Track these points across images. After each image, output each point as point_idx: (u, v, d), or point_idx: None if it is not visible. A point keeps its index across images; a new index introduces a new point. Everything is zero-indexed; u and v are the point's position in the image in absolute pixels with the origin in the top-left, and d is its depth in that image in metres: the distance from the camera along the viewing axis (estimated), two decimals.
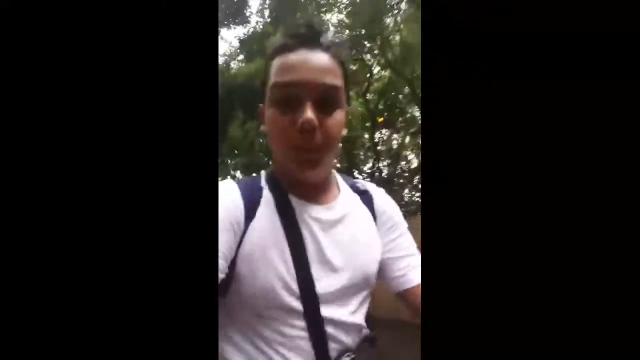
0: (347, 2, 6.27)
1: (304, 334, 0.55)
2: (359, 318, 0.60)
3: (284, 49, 0.55)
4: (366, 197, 0.67)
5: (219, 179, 0.59)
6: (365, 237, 0.62)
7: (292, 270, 0.54)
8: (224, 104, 5.44)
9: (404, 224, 0.68)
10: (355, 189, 0.67)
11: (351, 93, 1.10)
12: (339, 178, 0.66)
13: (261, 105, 0.60)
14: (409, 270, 0.64)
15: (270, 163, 0.95)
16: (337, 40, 0.57)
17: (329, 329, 0.56)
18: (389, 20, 5.83)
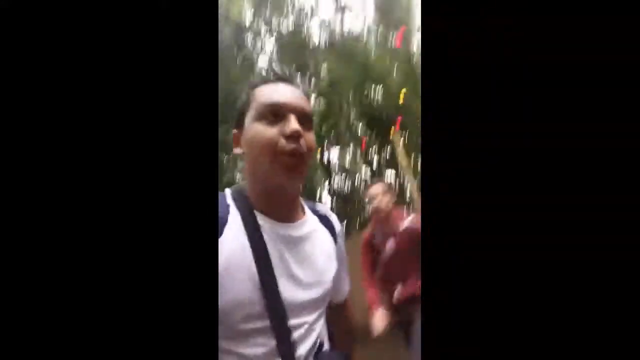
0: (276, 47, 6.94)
1: (273, 343, 0.58)
2: (319, 327, 0.66)
3: (264, 82, 0.65)
4: (327, 221, 0.74)
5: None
6: (327, 255, 0.69)
7: (259, 286, 0.57)
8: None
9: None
10: (315, 212, 0.73)
11: None
12: (301, 200, 0.71)
13: (235, 130, 0.66)
14: (343, 287, 0.78)
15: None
16: (300, 81, 0.68)
17: (295, 336, 0.60)
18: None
